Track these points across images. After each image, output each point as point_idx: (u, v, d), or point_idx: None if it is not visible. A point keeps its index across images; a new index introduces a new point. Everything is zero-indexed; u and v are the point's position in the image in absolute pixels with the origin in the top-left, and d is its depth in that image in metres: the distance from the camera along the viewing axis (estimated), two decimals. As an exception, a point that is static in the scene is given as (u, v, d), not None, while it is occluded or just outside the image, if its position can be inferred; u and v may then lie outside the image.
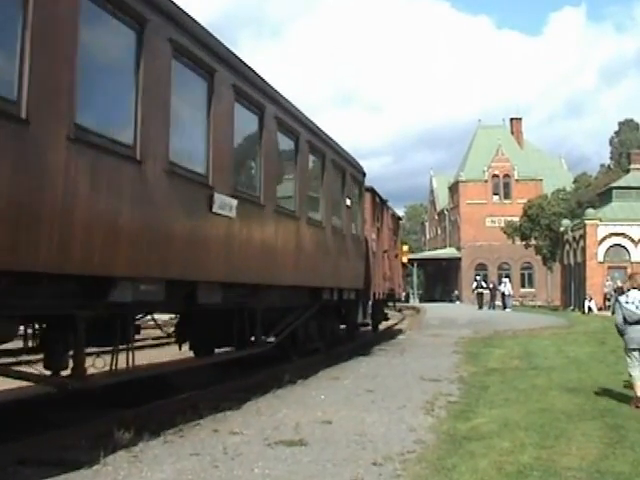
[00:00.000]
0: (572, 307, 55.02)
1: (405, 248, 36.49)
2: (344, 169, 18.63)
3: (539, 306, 67.32)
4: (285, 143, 14.19)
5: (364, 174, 21.52)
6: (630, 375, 11.76)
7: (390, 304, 32.24)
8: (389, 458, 7.97)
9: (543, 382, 14.14)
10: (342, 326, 21.14)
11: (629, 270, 46.60)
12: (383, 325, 29.03)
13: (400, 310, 39.61)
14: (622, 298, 11.88)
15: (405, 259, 36.00)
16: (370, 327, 25.04)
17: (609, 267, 51.71)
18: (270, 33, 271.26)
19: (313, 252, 15.40)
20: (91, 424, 8.87)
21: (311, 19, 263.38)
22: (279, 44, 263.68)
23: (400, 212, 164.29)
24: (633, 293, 11.70)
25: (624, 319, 11.60)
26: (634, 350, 11.59)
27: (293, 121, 14.32)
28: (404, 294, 41.69)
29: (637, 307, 11.47)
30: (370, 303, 22.22)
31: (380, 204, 25.58)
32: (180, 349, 14.72)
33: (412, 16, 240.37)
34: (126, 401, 10.33)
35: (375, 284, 22.89)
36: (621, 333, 11.80)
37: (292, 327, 15.45)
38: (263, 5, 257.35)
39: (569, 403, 11.68)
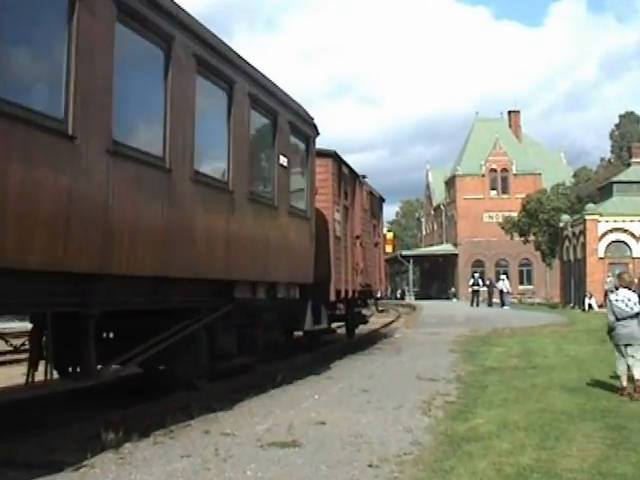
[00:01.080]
0: (572, 304, 54.32)
1: (389, 236, 31.44)
2: (275, 113, 13.49)
3: (538, 303, 66.91)
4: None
5: (315, 127, 16.05)
6: (617, 369, 12.39)
7: (370, 302, 26.69)
8: (385, 460, 7.78)
9: (543, 381, 13.87)
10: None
11: (630, 266, 46.49)
12: (366, 328, 26.26)
13: (382, 310, 33.00)
14: (612, 296, 12.56)
15: (389, 248, 30.74)
16: (331, 333, 20.51)
17: (610, 263, 50.83)
18: (264, 23, 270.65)
19: (213, 229, 10.83)
20: (78, 425, 8.65)
21: (305, 9, 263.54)
22: (273, 34, 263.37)
23: (395, 207, 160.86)
24: (622, 291, 12.41)
25: (614, 316, 12.29)
26: (623, 345, 12.22)
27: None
28: (388, 291, 32.92)
29: (626, 305, 12.16)
30: (328, 303, 17.66)
31: (351, 177, 20.52)
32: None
33: (409, 6, 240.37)
34: (112, 403, 10.15)
35: (341, 279, 18.36)
36: (611, 330, 12.44)
37: (169, 342, 10.16)
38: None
39: (569, 403, 11.45)
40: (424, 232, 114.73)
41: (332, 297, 17.34)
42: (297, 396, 12.18)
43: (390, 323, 34.73)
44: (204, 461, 7.70)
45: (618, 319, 12.22)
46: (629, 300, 12.18)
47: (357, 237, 20.85)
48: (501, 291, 52.37)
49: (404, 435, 9.06)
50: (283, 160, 13.67)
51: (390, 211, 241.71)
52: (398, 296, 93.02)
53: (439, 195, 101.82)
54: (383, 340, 25.00)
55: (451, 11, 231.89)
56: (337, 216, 18.14)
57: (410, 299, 79.33)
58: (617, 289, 12.72)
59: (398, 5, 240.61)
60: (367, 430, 9.35)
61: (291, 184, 14.27)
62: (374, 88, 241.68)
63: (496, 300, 53.61)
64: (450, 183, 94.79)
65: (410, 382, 13.94)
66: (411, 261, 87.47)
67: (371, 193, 24.57)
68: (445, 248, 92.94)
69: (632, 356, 12.06)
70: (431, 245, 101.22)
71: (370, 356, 19.30)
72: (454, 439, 8.78)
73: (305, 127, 15.33)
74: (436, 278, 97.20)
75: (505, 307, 50.31)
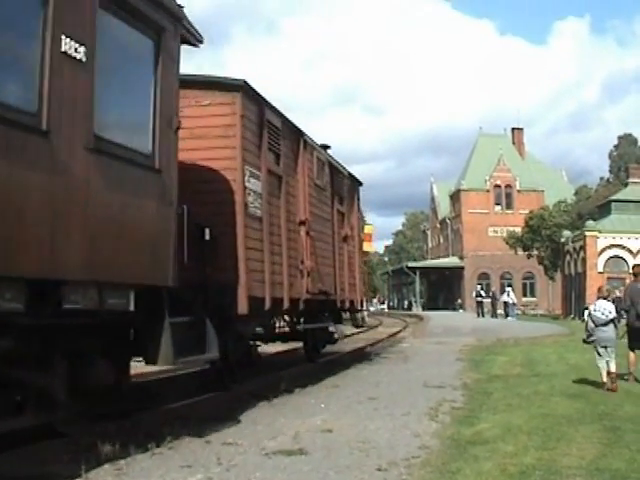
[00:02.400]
0: (572, 316, 55.17)
1: (368, 230, 25.91)
2: None
3: (540, 315, 67.21)
4: None
5: (181, 16, 9.25)
6: (597, 366, 14.21)
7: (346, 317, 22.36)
8: (394, 463, 7.70)
9: (545, 388, 14.11)
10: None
11: (627, 281, 46.61)
12: (372, 338, 25.18)
13: (361, 326, 29.66)
14: (591, 307, 14.68)
15: (368, 247, 25.46)
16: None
17: (608, 277, 51.73)
18: (265, 29, 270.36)
19: None
20: (72, 436, 8.30)
21: (308, 16, 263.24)
22: (274, 41, 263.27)
23: (400, 219, 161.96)
24: (600, 302, 14.34)
25: (594, 323, 14.23)
26: (602, 347, 14.10)
27: None
28: (363, 302, 22.55)
29: (602, 313, 14.10)
30: (232, 318, 11.77)
31: (288, 132, 14.28)
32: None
33: (414, 15, 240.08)
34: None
35: (265, 281, 12.56)
36: (589, 335, 14.35)
37: None
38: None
39: (570, 408, 11.75)
40: (430, 244, 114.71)
41: (243, 309, 11.52)
42: (302, 405, 12.02)
43: (397, 333, 34.61)
44: (206, 470, 7.51)
45: (597, 325, 14.16)
46: (605, 309, 14.09)
47: (302, 223, 14.76)
48: (505, 303, 53.16)
49: (412, 440, 8.98)
50: (69, 46, 6.99)
51: (396, 222, 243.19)
52: (405, 307, 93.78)
53: (444, 208, 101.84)
54: (390, 349, 24.87)
55: (455, 22, 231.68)
56: (252, 184, 12.07)
57: (417, 310, 79.59)
58: (596, 300, 14.63)
59: (403, 14, 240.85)
60: (375, 436, 9.23)
61: (103, 99, 7.54)
62: (380, 98, 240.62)
63: (500, 311, 53.99)
64: (455, 197, 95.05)
65: (417, 389, 13.85)
66: (417, 273, 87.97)
67: (334, 167, 17.80)
68: (451, 261, 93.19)
69: (609, 355, 13.98)
70: (437, 257, 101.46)
71: (377, 365, 19.16)
72: (460, 443, 8.80)
73: (152, 7, 8.54)
74: (443, 289, 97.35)
75: (509, 318, 50.80)
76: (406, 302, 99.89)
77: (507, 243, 70.75)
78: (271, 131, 13.20)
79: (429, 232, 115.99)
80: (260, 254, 12.36)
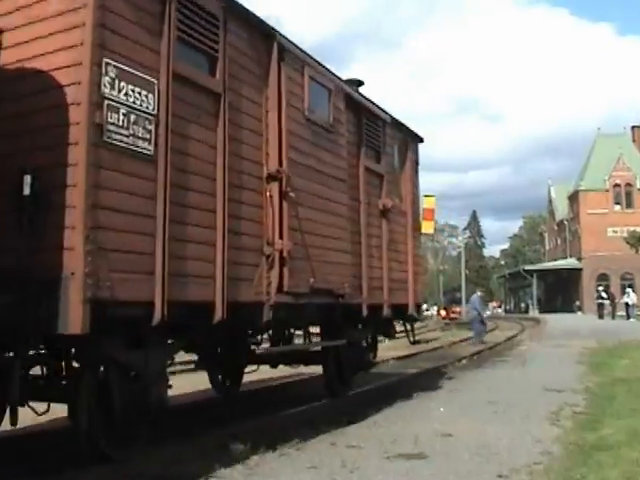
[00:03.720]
0: (697, 317, 52.94)
1: (428, 202, 18.24)
2: None
3: (663, 316, 64.90)
4: None
5: None
6: None
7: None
8: (515, 470, 7.62)
9: None
10: None
11: None
12: (491, 341, 24.54)
13: (417, 342, 19.07)
14: None
15: (428, 226, 18.49)
16: None
17: None
18: (382, 45, 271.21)
19: None
20: (205, 437, 8.82)
21: (427, 31, 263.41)
22: (391, 54, 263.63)
23: (518, 223, 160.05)
24: None
25: None
26: None
27: None
28: (421, 307, 13.35)
29: None
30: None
31: (241, 22, 9.07)
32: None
33: (530, 23, 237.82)
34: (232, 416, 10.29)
35: (153, 271, 7.12)
36: None
37: None
38: (378, 20, 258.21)
39: None
40: (547, 247, 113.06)
41: (74, 325, 6.23)
42: (421, 408, 12.11)
43: (514, 336, 34.20)
44: (331, 472, 7.69)
45: None
46: None
47: (271, 177, 9.35)
48: (626, 304, 51.63)
49: (533, 445, 8.86)
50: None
51: (512, 226, 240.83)
52: (522, 310, 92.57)
53: (562, 210, 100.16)
54: (507, 353, 24.59)
55: (573, 28, 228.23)
56: (126, 94, 6.93)
57: (534, 313, 78.25)
58: None
59: (520, 22, 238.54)
60: (495, 441, 9.18)
61: None
62: (498, 105, 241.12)
63: (621, 313, 52.53)
64: (573, 198, 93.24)
65: (537, 393, 13.64)
66: (534, 275, 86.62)
67: (362, 107, 12.56)
68: (569, 262, 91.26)
69: None
70: (555, 259, 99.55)
71: (495, 369, 18.99)
72: (584, 448, 8.56)
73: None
74: (560, 292, 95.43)
75: (631, 320, 49.20)
76: (523, 305, 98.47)
77: (628, 243, 68.93)
78: (190, 12, 7.89)
79: (546, 235, 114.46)
80: (144, 222, 7.02)
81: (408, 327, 15.31)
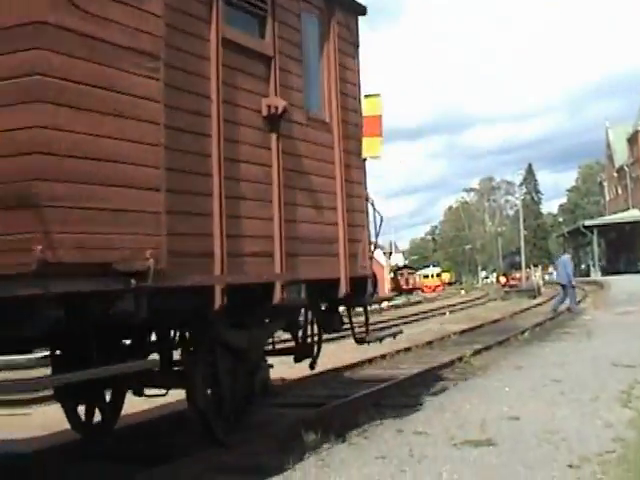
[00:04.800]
0: None
1: (370, 106, 10.64)
2: None
3: None
4: None
5: None
6: None
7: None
8: (586, 459, 7.45)
9: None
10: None
11: None
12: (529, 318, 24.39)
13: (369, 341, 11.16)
14: None
15: (373, 148, 10.54)
16: None
17: None
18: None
19: None
20: (279, 428, 9.05)
21: None
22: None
23: (574, 174, 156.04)
24: None
25: None
26: None
27: None
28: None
29: None
30: None
31: None
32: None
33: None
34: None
35: None
36: None
37: None
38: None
39: None
40: (607, 198, 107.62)
41: None
42: (486, 388, 12.02)
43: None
44: (400, 462, 7.69)
45: None
46: None
47: None
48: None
49: (604, 431, 8.67)
50: None
51: (569, 178, 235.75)
52: (583, 272, 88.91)
53: (621, 154, 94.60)
54: (571, 323, 24.19)
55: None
56: None
57: (596, 275, 75.47)
58: None
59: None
60: (563, 425, 9.03)
61: None
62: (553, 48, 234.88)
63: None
64: (633, 140, 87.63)
65: (605, 370, 13.33)
66: (595, 232, 79.96)
67: None
68: (632, 214, 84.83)
69: None
70: (616, 212, 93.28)
71: (559, 342, 18.70)
72: (660, 434, 8.31)
73: None
74: (624, 250, 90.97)
75: None
76: (583, 266, 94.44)
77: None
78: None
79: (606, 184, 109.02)
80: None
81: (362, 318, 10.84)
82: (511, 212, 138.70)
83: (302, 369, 11.24)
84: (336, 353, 16.71)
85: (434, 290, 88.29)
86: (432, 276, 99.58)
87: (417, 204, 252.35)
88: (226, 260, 7.12)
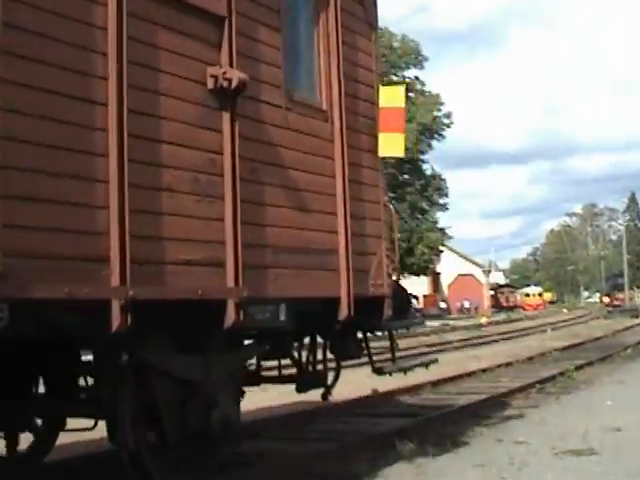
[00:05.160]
0: None
1: (391, 99, 8.68)
2: None
3: None
4: None
5: None
6: None
7: None
8: (690, 471, 7.33)
9: None
10: None
11: None
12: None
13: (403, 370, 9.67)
14: None
15: (397, 147, 8.61)
16: None
17: None
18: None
19: None
20: (372, 436, 9.04)
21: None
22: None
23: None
24: None
25: None
26: None
27: None
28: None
29: None
30: None
31: None
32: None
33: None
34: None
35: None
36: None
37: None
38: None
39: None
40: None
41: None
42: (589, 402, 11.88)
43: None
44: (499, 470, 7.65)
45: None
46: None
47: None
48: None
49: None
50: None
51: None
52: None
53: None
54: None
55: None
56: None
57: None
58: None
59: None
60: (666, 437, 8.90)
61: None
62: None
63: None
64: None
65: None
66: None
67: None
68: None
69: None
70: None
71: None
72: None
73: None
74: None
75: None
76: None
77: None
78: None
79: None
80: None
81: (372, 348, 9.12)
82: (614, 237, 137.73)
83: (398, 381, 11.22)
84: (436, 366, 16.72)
85: (535, 308, 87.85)
86: (534, 295, 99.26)
87: (519, 225, 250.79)
88: (129, 267, 5.23)
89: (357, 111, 8.27)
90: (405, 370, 9.35)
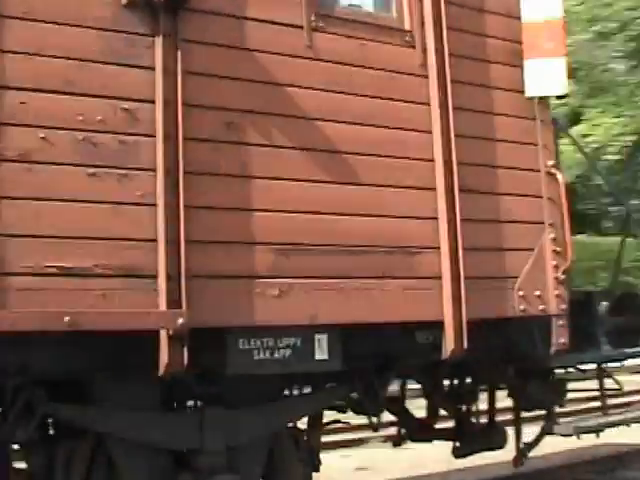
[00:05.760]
0: None
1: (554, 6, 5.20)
2: None
3: None
4: None
5: None
6: None
7: None
8: None
9: None
10: None
11: None
12: None
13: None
14: None
15: (558, 85, 5.48)
16: None
17: None
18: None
19: None
20: None
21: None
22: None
23: None
24: None
25: None
26: None
27: None
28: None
29: None
30: None
31: None
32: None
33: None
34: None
35: None
36: None
37: None
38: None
39: None
40: None
41: None
42: None
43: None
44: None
45: None
46: None
47: None
48: None
49: None
50: None
51: None
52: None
53: None
54: None
55: None
56: None
57: None
58: None
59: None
60: None
61: None
62: None
63: None
64: None
65: None
66: None
67: None
68: None
69: None
70: None
71: None
72: None
73: None
74: None
75: None
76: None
77: None
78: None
79: None
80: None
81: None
82: None
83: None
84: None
85: None
86: None
87: None
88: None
89: (477, 29, 5.44)
90: (588, 432, 6.35)
